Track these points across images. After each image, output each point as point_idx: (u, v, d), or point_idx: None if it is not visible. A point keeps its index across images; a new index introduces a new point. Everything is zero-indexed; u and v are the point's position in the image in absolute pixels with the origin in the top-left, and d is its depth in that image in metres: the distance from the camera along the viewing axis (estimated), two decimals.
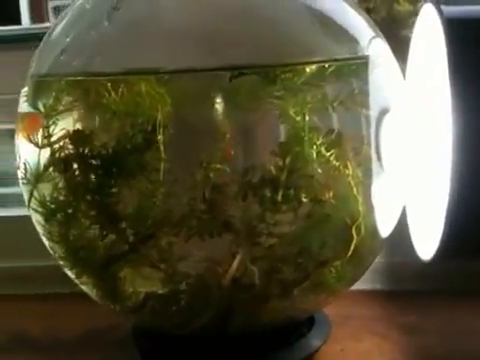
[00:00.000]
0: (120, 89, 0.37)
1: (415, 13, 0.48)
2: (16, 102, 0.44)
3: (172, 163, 0.38)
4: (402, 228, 0.45)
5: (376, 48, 0.42)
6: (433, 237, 0.40)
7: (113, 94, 0.37)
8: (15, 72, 0.44)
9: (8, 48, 0.57)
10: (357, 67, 0.40)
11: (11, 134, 0.45)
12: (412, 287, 0.55)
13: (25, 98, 0.42)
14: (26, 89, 0.43)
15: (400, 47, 0.44)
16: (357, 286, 0.46)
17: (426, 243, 0.42)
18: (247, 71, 0.37)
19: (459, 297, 0.53)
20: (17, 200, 0.58)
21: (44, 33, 0.44)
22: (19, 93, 0.44)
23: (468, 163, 0.37)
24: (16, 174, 0.44)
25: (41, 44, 0.43)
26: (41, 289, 0.59)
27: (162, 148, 0.38)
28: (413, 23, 0.45)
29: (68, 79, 0.39)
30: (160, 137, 0.38)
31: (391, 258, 0.55)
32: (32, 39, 0.44)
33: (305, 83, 0.38)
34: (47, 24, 0.73)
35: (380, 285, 0.57)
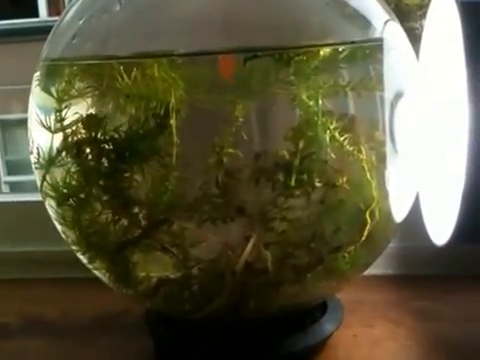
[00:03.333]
0: (133, 73, 0.37)
1: (422, 6, 0.48)
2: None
3: (185, 147, 0.38)
4: (414, 212, 0.44)
5: (391, 31, 0.41)
6: (447, 221, 0.39)
7: (126, 78, 0.36)
8: (31, 63, 0.44)
9: (25, 40, 0.57)
10: (371, 51, 0.40)
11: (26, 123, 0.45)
12: (425, 272, 0.55)
13: (37, 82, 0.42)
14: (38, 73, 0.43)
15: (409, 37, 0.43)
16: (370, 271, 0.46)
17: (440, 227, 0.42)
18: (261, 53, 0.36)
19: (474, 282, 0.53)
20: (31, 187, 0.58)
21: None
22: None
23: None
24: (29, 162, 0.44)
25: (54, 28, 0.43)
26: (56, 274, 0.59)
27: (175, 132, 0.37)
28: (420, 15, 0.45)
29: (80, 63, 0.39)
30: (173, 121, 0.37)
31: (404, 243, 0.54)
32: (49, 31, 0.44)
33: (319, 67, 0.38)
34: None
35: (393, 270, 0.56)
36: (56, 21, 0.43)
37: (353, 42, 0.38)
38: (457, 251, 0.51)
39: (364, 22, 0.40)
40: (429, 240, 0.43)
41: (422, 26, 0.47)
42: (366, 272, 0.45)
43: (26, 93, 0.44)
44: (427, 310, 0.50)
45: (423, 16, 0.48)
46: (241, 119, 0.38)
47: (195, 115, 0.38)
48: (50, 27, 0.44)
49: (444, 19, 0.40)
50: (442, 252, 0.42)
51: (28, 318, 0.53)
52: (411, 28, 0.44)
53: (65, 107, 0.39)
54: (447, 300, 0.52)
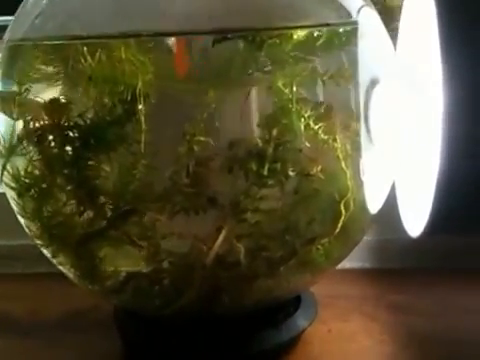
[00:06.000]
0: (97, 54, 0.35)
1: None
2: None
3: (154, 135, 0.36)
4: (390, 204, 0.44)
5: (366, 16, 0.40)
6: (422, 213, 0.39)
7: (89, 59, 0.35)
8: None
9: None
10: (347, 37, 0.39)
11: None
12: (401, 265, 0.55)
13: None
14: (0, 55, 0.40)
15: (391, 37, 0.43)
16: (345, 264, 0.46)
17: (415, 219, 0.41)
18: (231, 36, 0.35)
19: (450, 275, 0.53)
20: None
21: None
22: None
23: (458, 137, 0.36)
24: None
25: (19, 8, 0.41)
26: (21, 269, 0.58)
27: (143, 119, 0.36)
28: None
29: (43, 43, 0.38)
30: (141, 107, 0.36)
31: (379, 235, 0.54)
32: None
33: (293, 52, 0.37)
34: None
35: (368, 263, 0.56)
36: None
37: (328, 24, 0.37)
38: (432, 243, 0.51)
39: (339, 6, 0.39)
40: (404, 232, 0.43)
41: None
42: (341, 265, 0.45)
43: None
44: (402, 304, 0.50)
45: None
46: (213, 105, 0.36)
47: (165, 101, 0.37)
48: None
49: (419, 8, 0.40)
50: (417, 244, 0.42)
51: None
52: (396, 28, 0.44)
53: (25, 91, 0.37)
54: (423, 294, 0.51)
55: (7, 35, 0.41)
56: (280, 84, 0.37)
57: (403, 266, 0.55)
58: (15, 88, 0.38)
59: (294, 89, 0.37)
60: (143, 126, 0.36)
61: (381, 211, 0.43)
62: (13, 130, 0.39)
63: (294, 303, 0.46)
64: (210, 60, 0.37)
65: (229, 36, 0.35)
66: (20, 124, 0.39)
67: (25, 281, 0.56)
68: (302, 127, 0.38)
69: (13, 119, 0.39)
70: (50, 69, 0.37)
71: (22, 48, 0.39)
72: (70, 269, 0.42)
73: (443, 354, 0.44)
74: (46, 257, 0.43)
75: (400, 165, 0.43)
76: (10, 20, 0.42)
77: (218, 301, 0.41)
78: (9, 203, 0.43)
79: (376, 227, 0.48)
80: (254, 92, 0.38)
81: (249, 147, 0.37)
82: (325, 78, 0.37)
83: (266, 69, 0.37)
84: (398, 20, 0.45)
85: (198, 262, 0.38)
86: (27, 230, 0.43)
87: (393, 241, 0.53)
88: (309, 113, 0.38)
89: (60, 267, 0.43)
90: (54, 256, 0.42)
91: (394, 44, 0.43)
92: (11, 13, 0.41)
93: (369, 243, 0.54)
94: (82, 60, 0.35)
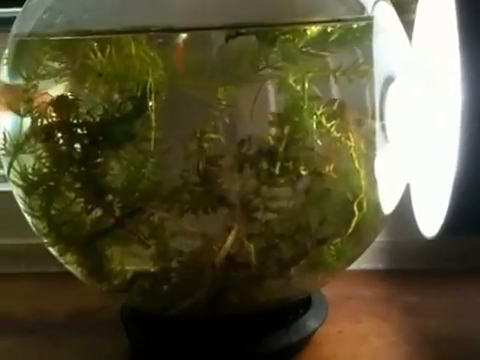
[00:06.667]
0: (107, 49, 0.34)
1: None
2: None
3: (164, 132, 0.36)
4: (405, 205, 0.43)
5: (381, 11, 0.40)
6: (438, 213, 0.38)
7: (99, 55, 0.34)
8: None
9: None
10: (361, 33, 0.38)
11: None
12: (415, 266, 0.54)
13: (6, 60, 0.40)
14: (7, 51, 0.40)
15: (406, 30, 0.42)
16: (357, 265, 0.45)
17: (430, 219, 0.40)
18: (244, 31, 0.34)
19: (464, 276, 0.52)
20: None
21: None
22: None
23: (477, 135, 0.35)
24: None
25: (26, 2, 0.41)
26: (29, 268, 0.57)
27: (153, 116, 0.35)
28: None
29: (52, 38, 0.37)
30: (151, 104, 0.35)
31: (393, 236, 0.53)
32: None
33: (306, 48, 0.36)
34: None
35: (381, 264, 0.55)
36: None
37: (340, 20, 0.36)
38: (447, 244, 0.50)
39: (354, 1, 0.39)
40: (419, 233, 0.42)
41: None
42: (353, 266, 0.44)
43: None
44: (416, 305, 0.49)
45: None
46: (224, 102, 0.36)
47: (175, 98, 0.36)
48: None
49: (438, 2, 0.39)
50: (432, 245, 0.41)
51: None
52: (409, 21, 0.43)
53: (33, 87, 0.37)
54: (437, 295, 0.51)
55: (14, 30, 0.40)
56: (292, 81, 0.36)
57: (417, 267, 0.54)
58: (22, 84, 0.37)
59: (306, 86, 0.36)
60: (153, 123, 0.36)
61: (395, 211, 0.43)
62: (20, 127, 0.38)
63: (304, 304, 0.45)
64: (221, 56, 0.36)
65: (242, 32, 0.34)
66: (27, 121, 0.38)
67: (30, 280, 0.56)
68: (314, 125, 0.37)
69: (20, 116, 0.38)
70: (58, 65, 0.36)
71: (29, 43, 0.38)
72: (77, 268, 0.42)
73: (457, 356, 0.43)
74: (52, 256, 0.43)
75: (416, 164, 0.43)
76: (17, 12, 0.41)
77: (227, 301, 0.40)
78: (15, 201, 0.42)
79: (390, 227, 0.47)
80: (266, 89, 0.37)
81: (260, 145, 0.36)
82: (338, 74, 0.37)
83: (278, 65, 0.36)
84: (414, 13, 0.44)
85: (207, 262, 0.38)
86: (34, 228, 0.42)
87: (407, 242, 0.53)
88: (321, 110, 0.37)
89: (67, 266, 0.43)
90: (61, 255, 0.42)
91: (409, 38, 0.42)
92: (19, 5, 0.41)
93: (383, 244, 0.54)
94: (92, 56, 0.34)
